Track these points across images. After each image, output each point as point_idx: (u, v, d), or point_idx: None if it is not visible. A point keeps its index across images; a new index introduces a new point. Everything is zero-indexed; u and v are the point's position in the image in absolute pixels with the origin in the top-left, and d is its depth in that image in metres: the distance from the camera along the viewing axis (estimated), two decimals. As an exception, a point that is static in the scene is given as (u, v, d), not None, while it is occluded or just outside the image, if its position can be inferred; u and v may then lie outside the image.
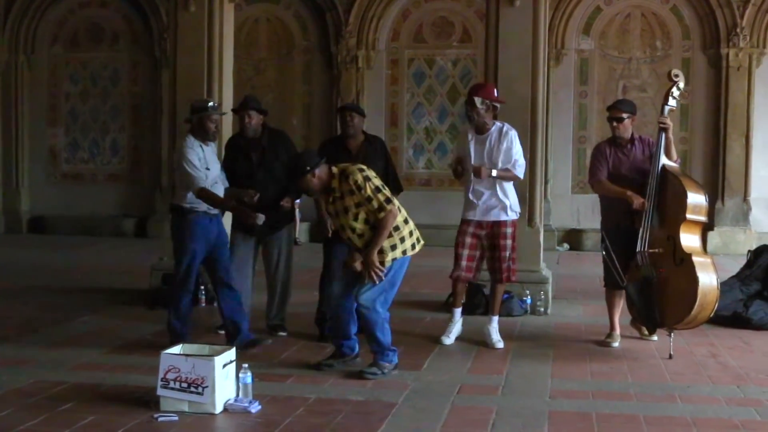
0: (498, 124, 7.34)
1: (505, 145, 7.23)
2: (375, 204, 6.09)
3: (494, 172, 7.17)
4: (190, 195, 6.90)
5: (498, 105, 7.40)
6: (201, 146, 6.92)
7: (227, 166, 7.49)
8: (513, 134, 7.31)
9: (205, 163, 6.89)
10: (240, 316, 7.06)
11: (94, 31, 17.04)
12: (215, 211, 7.05)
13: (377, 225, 6.13)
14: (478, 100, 7.21)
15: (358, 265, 6.24)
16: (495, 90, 7.53)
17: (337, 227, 6.43)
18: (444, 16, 15.84)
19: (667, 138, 7.05)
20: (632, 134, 7.32)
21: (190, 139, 6.94)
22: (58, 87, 17.26)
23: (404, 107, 15.93)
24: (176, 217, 7.08)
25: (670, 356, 6.88)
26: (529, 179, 8.58)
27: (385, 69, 15.96)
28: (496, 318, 7.40)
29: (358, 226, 6.16)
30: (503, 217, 7.30)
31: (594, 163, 7.36)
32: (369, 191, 6.10)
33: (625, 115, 7.26)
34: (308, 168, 6.11)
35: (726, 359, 6.95)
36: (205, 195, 6.82)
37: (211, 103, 7.14)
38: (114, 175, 17.14)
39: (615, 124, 7.27)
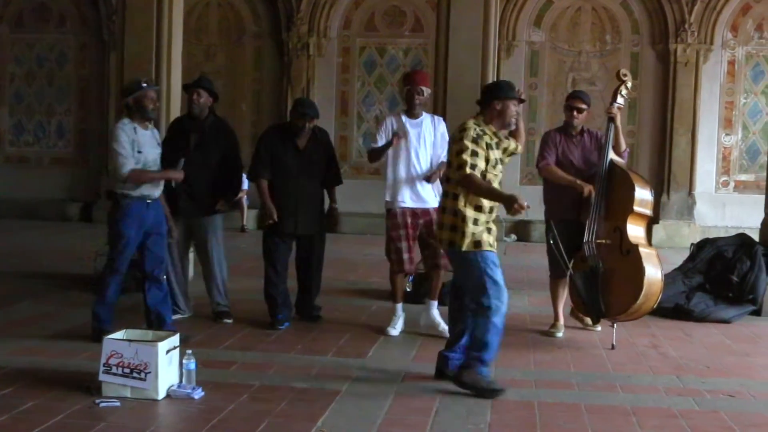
0: (426, 113, 7.50)
1: (440, 132, 7.35)
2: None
3: (440, 173, 7.01)
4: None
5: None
6: (136, 129, 6.61)
7: (167, 146, 7.41)
8: (444, 124, 7.52)
9: (138, 146, 6.59)
10: (165, 309, 6.83)
11: (40, 12, 16.77)
12: (153, 197, 6.78)
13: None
14: (426, 90, 7.39)
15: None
16: None
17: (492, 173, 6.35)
18: (396, 5, 15.84)
19: (615, 128, 7.17)
20: (582, 126, 7.44)
21: (124, 121, 6.66)
22: (2, 68, 16.97)
23: (355, 95, 15.90)
24: (112, 203, 6.86)
25: (613, 347, 6.96)
26: (478, 170, 8.60)
27: (337, 57, 15.92)
28: (436, 303, 7.42)
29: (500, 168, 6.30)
30: (437, 204, 7.32)
31: (543, 147, 7.45)
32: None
33: (584, 106, 7.39)
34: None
35: (667, 350, 7.05)
36: (136, 175, 6.57)
37: (144, 82, 6.78)
38: (59, 158, 16.92)
39: (574, 113, 7.36)
